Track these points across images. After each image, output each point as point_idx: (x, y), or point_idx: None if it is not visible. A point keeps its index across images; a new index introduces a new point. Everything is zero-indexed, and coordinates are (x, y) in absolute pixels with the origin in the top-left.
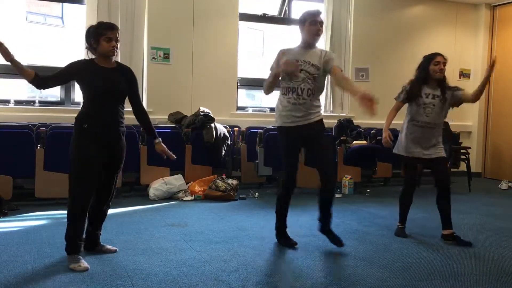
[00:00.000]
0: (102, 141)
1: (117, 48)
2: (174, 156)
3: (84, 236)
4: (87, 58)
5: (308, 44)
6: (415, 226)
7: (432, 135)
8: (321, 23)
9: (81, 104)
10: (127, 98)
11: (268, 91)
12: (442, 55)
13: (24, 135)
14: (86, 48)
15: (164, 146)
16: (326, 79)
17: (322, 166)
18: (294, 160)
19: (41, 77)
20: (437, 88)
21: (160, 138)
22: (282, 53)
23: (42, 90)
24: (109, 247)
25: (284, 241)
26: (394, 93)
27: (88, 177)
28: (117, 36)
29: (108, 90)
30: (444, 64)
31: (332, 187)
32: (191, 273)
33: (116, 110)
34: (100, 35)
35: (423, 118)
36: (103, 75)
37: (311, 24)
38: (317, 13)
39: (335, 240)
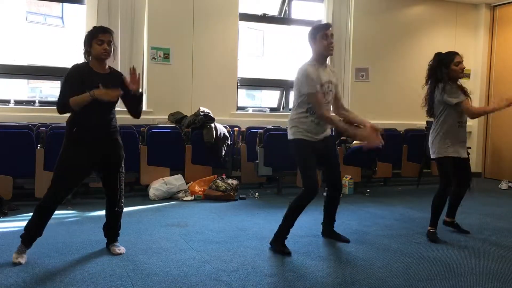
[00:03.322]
0: (92, 144)
1: (110, 51)
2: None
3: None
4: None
5: (322, 58)
6: (415, 226)
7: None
8: (332, 35)
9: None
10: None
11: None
12: (459, 54)
13: (24, 135)
14: (83, 53)
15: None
16: None
17: (335, 175)
18: (315, 170)
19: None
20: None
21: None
22: (315, 73)
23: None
24: (116, 249)
25: (283, 248)
26: (394, 93)
27: (66, 180)
28: (110, 39)
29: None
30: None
31: (340, 193)
32: (191, 273)
33: (106, 114)
34: (93, 38)
35: (465, 118)
36: (95, 82)
37: (324, 38)
38: (328, 25)
39: (341, 238)
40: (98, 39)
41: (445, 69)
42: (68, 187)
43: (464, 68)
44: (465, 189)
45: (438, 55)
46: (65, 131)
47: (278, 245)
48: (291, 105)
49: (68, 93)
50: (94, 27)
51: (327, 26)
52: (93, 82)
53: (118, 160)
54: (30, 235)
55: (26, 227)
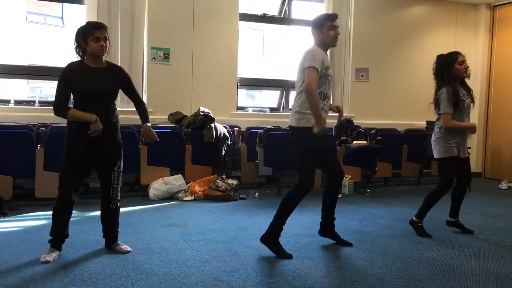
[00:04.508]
0: (91, 140)
1: (106, 47)
2: (157, 138)
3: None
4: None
5: (326, 47)
6: None
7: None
8: (337, 27)
9: (72, 105)
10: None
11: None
12: (461, 53)
13: (24, 135)
14: (74, 48)
15: (151, 130)
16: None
17: (336, 163)
18: (314, 165)
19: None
20: (461, 87)
21: (150, 123)
22: (322, 54)
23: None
24: (123, 247)
25: (282, 252)
26: (394, 93)
27: (69, 178)
28: (106, 35)
29: (95, 91)
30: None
31: (341, 181)
32: (191, 273)
33: (105, 109)
34: (88, 35)
35: (466, 120)
36: (91, 76)
37: (331, 29)
38: (335, 17)
39: (343, 242)
40: (94, 36)
41: (448, 71)
42: (74, 184)
43: (468, 67)
44: (466, 188)
45: (439, 58)
46: (66, 129)
47: (269, 242)
48: (291, 105)
49: (61, 95)
50: (88, 23)
51: (334, 16)
52: (88, 77)
53: (113, 159)
54: (55, 238)
55: (51, 230)
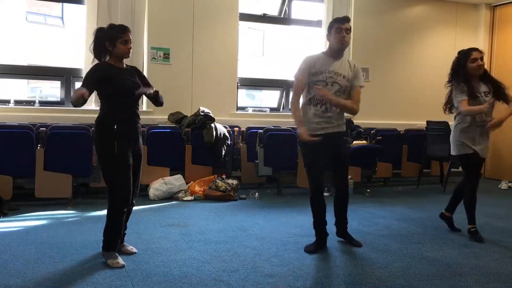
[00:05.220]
0: (129, 140)
1: (130, 49)
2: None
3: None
4: (91, 59)
5: (335, 51)
6: (415, 226)
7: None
8: (347, 30)
9: (100, 107)
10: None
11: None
12: (478, 50)
13: (24, 135)
14: (94, 49)
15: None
16: None
17: (340, 173)
18: (321, 165)
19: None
20: (481, 84)
21: (153, 90)
22: (307, 62)
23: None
24: (129, 248)
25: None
26: (394, 93)
27: (126, 178)
28: (130, 37)
29: (131, 88)
30: (482, 59)
31: (344, 193)
32: (191, 273)
33: (135, 108)
34: (117, 38)
35: (485, 118)
36: (125, 75)
37: (337, 32)
38: (344, 20)
39: (353, 242)
40: (122, 39)
41: (462, 69)
42: (129, 183)
43: (480, 65)
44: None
45: (458, 53)
46: (98, 131)
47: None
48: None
49: (85, 87)
50: (113, 26)
51: (343, 20)
52: (118, 76)
53: (141, 159)
54: (114, 240)
55: (108, 233)
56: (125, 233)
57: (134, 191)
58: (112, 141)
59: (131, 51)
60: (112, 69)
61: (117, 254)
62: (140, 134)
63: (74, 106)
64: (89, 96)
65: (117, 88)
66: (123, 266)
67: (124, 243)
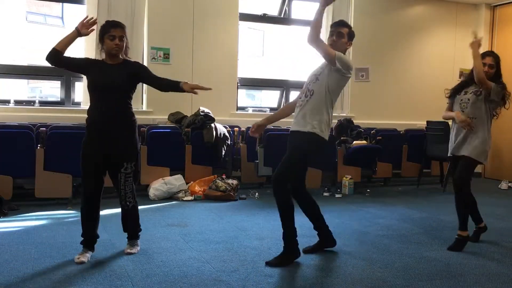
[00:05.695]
0: (102, 135)
1: (122, 46)
2: (208, 87)
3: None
4: (93, 58)
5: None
6: (415, 226)
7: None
8: (339, 33)
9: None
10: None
11: (317, 34)
12: (491, 56)
13: (24, 135)
14: (100, 49)
15: (191, 83)
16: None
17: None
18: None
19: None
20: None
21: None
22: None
23: (53, 64)
24: (128, 250)
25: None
26: (394, 93)
27: (85, 175)
28: (122, 34)
29: (105, 85)
30: (491, 66)
31: (300, 194)
32: (191, 273)
33: (117, 105)
34: (104, 33)
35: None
36: (104, 71)
37: (330, 34)
38: (336, 23)
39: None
40: (109, 34)
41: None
42: (92, 180)
43: (487, 72)
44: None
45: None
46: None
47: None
48: None
49: (73, 59)
50: (106, 22)
51: (335, 22)
52: (99, 71)
53: (123, 157)
54: (85, 238)
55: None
56: (133, 234)
57: (120, 194)
58: (85, 136)
59: (127, 49)
60: (100, 65)
61: (85, 250)
62: (124, 133)
63: (46, 58)
64: (61, 56)
65: (90, 83)
66: (81, 262)
67: (128, 242)
